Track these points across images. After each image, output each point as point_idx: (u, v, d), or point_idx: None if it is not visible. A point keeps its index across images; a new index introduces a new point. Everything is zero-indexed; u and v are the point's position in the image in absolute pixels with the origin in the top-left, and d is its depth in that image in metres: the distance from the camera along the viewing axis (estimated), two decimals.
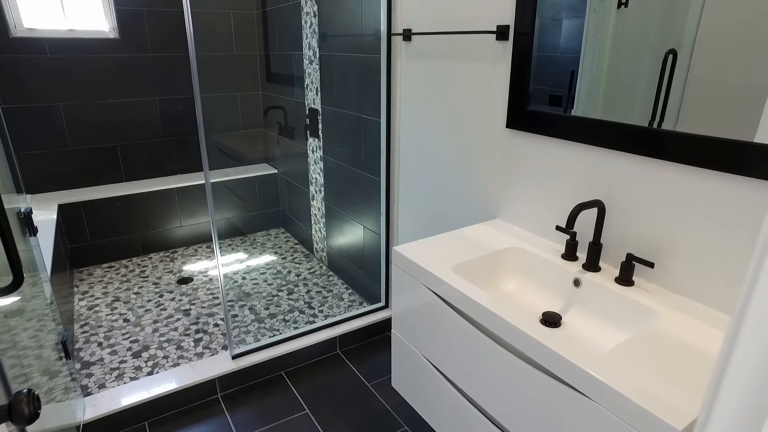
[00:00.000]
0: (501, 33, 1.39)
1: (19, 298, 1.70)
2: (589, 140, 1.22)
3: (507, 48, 1.41)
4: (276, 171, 3.48)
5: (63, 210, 2.86)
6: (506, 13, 1.39)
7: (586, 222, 1.30)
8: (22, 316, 1.70)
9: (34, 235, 1.58)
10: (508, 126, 1.45)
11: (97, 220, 2.97)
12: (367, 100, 2.16)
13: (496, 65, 1.46)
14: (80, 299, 2.67)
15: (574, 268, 1.23)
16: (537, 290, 1.31)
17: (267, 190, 3.50)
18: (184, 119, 3.28)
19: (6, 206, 1.25)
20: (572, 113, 1.25)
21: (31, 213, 1.60)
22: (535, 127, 1.37)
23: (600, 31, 1.13)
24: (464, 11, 1.54)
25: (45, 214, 2.67)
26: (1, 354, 1.34)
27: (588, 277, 1.19)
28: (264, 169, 3.51)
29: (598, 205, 1.17)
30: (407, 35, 1.79)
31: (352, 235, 2.59)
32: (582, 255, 1.31)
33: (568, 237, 1.34)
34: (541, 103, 1.34)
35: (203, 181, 3.23)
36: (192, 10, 2.23)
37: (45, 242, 2.35)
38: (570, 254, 1.28)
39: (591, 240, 1.26)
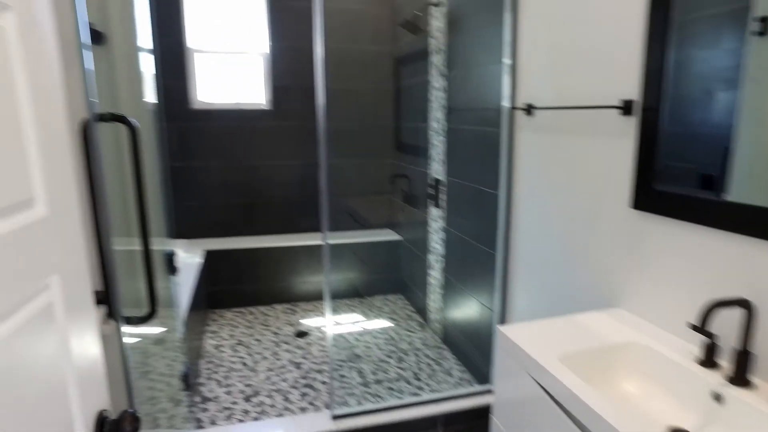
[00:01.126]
0: (625, 108, 1.30)
1: (165, 329, 1.91)
2: (740, 229, 1.04)
3: (632, 123, 1.30)
4: (399, 237, 3.56)
5: (208, 256, 3.22)
6: (631, 88, 1.30)
7: (730, 322, 1.09)
8: (163, 345, 1.91)
9: (174, 274, 1.79)
10: (633, 207, 1.31)
11: (234, 267, 3.29)
12: (488, 172, 2.14)
13: (621, 141, 1.36)
14: (210, 338, 2.92)
15: (714, 379, 1.02)
16: (662, 398, 1.11)
17: (388, 256, 3.59)
18: (318, 181, 3.56)
19: (155, 248, 1.44)
20: (722, 196, 1.08)
21: (174, 255, 1.82)
22: (667, 210, 1.22)
23: (765, 104, 0.98)
24: (587, 86, 1.48)
25: (192, 258, 3.03)
26: (141, 376, 1.51)
27: (734, 393, 0.97)
28: (387, 235, 3.62)
29: (744, 304, 0.98)
30: (529, 109, 1.77)
31: (467, 308, 2.51)
32: (724, 362, 1.09)
33: (704, 338, 1.13)
34: (677, 183, 1.19)
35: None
36: (329, 86, 2.46)
37: (188, 282, 2.65)
38: (708, 360, 1.07)
39: (737, 346, 1.05)
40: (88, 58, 1.04)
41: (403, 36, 3.21)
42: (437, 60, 2.63)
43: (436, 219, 2.83)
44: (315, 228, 3.64)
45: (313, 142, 3.50)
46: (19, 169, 0.55)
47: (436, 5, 2.55)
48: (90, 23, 1.06)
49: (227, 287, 3.32)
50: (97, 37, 1.43)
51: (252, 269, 3.32)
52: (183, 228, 3.39)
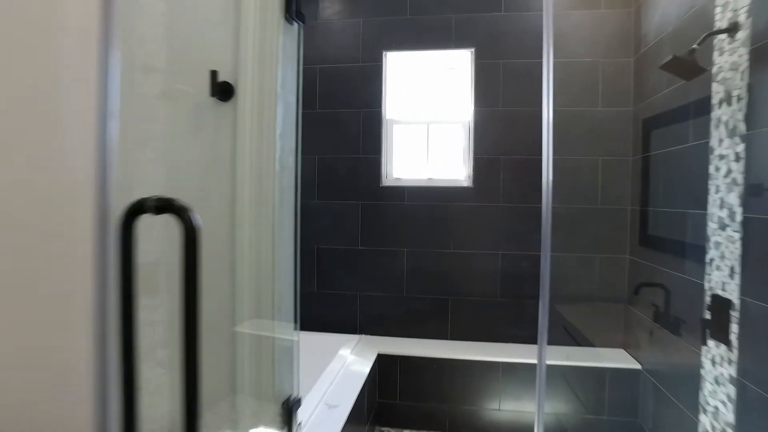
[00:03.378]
0: None
1: None
2: None
3: None
4: (638, 366, 2.47)
5: (380, 360, 2.65)
6: None
7: None
8: None
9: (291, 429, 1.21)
10: None
11: (411, 378, 2.64)
12: None
13: None
14: None
15: None
16: None
17: (621, 390, 2.51)
18: (527, 279, 2.76)
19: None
20: None
21: (298, 404, 1.26)
22: None
23: None
24: None
25: (362, 363, 2.49)
26: None
27: None
28: (620, 359, 2.56)
29: None
30: None
31: None
32: None
33: None
34: None
35: (535, 360, 2.54)
36: (553, 157, 1.74)
37: (353, 390, 2.10)
38: None
39: None
40: None
41: (657, 87, 2.32)
42: (727, 114, 1.69)
43: (718, 361, 1.74)
44: (517, 338, 2.79)
45: (523, 228, 2.75)
46: None
47: (729, 32, 1.65)
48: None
49: (401, 402, 2.67)
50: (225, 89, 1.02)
51: (433, 384, 2.62)
52: (359, 320, 2.92)
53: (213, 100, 1.04)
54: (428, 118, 2.88)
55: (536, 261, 2.75)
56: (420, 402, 2.65)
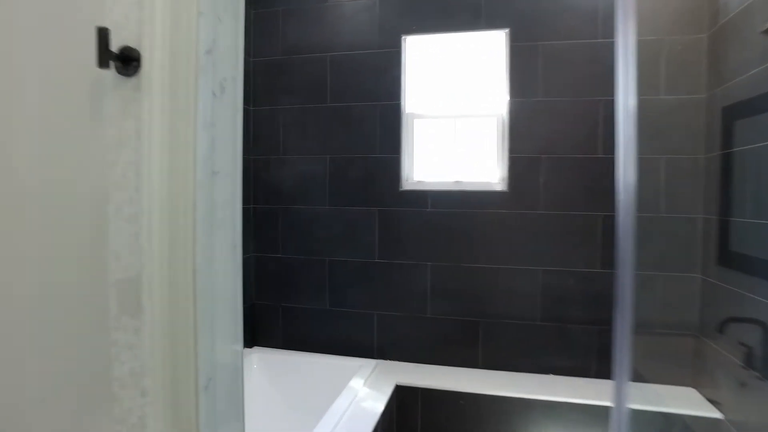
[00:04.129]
0: None
1: None
2: None
3: None
4: (719, 416, 2.00)
5: (399, 393, 2.28)
6: None
7: None
8: None
9: None
10: None
11: (434, 415, 2.26)
12: None
13: None
14: None
15: None
16: None
17: None
18: (572, 300, 2.33)
19: None
20: None
21: None
22: None
23: None
24: None
25: (376, 397, 2.13)
26: None
27: None
28: (691, 404, 2.09)
29: None
30: None
31: None
32: None
33: None
34: None
35: (587, 401, 2.11)
36: (625, 156, 1.35)
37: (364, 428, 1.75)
38: None
39: None
40: None
41: (742, 67, 1.86)
42: None
43: None
44: (561, 369, 2.36)
45: (570, 240, 2.32)
46: None
47: None
48: None
49: None
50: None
51: (461, 422, 2.23)
52: (375, 343, 2.56)
53: (112, 76, 0.71)
54: (455, 112, 2.49)
55: (584, 278, 2.32)
56: None
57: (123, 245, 0.73)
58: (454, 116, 2.49)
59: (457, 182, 2.47)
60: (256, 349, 2.65)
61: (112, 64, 0.69)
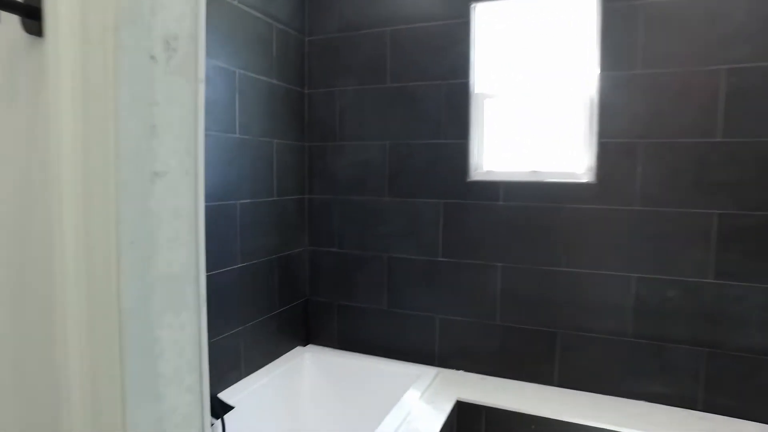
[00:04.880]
0: None
1: None
2: None
3: None
4: None
5: (460, 410, 2.03)
6: None
7: None
8: None
9: None
10: None
11: None
12: None
13: None
14: None
15: None
16: None
17: None
18: (674, 315, 1.93)
19: None
20: None
21: None
22: None
23: None
24: None
25: (433, 415, 1.89)
26: None
27: None
28: None
29: None
30: None
31: None
32: None
33: None
34: None
35: None
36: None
37: None
38: None
39: None
40: None
41: None
42: None
43: None
44: (657, 396, 1.98)
45: (671, 241, 1.92)
46: None
47: None
48: None
49: None
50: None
51: None
52: (437, 350, 2.32)
53: (23, 38, 0.52)
54: (533, 90, 2.14)
55: (691, 290, 1.91)
56: None
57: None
58: (532, 95, 2.14)
59: (534, 172, 2.13)
60: (310, 347, 2.50)
61: (15, 18, 0.50)
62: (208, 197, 1.84)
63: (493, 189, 2.17)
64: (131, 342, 0.53)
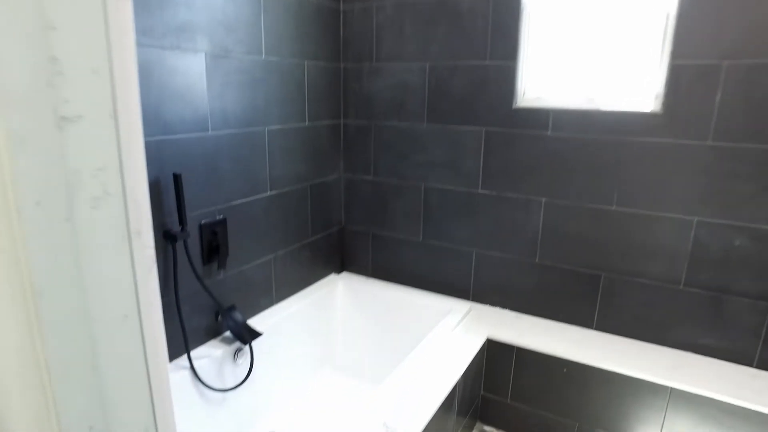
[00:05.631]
0: None
1: None
2: None
3: None
4: None
5: (490, 347, 1.99)
6: None
7: None
8: None
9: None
10: None
11: (529, 377, 1.94)
12: None
13: None
14: None
15: None
16: None
17: None
18: (738, 265, 1.73)
19: None
20: None
21: None
22: None
23: None
24: None
25: (466, 345, 1.86)
26: None
27: None
28: None
29: None
30: None
31: None
32: None
33: None
34: None
35: (747, 403, 1.61)
36: None
37: (448, 376, 1.53)
38: None
39: None
40: None
41: None
42: None
43: None
44: (707, 349, 1.84)
45: (745, 183, 1.67)
46: None
47: None
48: None
49: (512, 403, 2.02)
50: None
51: (562, 391, 1.89)
52: (472, 284, 2.25)
53: None
54: (594, 3, 1.83)
55: (761, 238, 1.69)
56: (537, 409, 1.96)
57: None
58: (592, 9, 1.84)
59: (590, 99, 1.88)
60: (344, 275, 2.51)
61: None
62: (233, 124, 1.77)
63: (541, 117, 1.95)
64: (54, 336, 0.48)
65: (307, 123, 2.15)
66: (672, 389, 1.68)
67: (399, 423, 1.45)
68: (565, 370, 1.86)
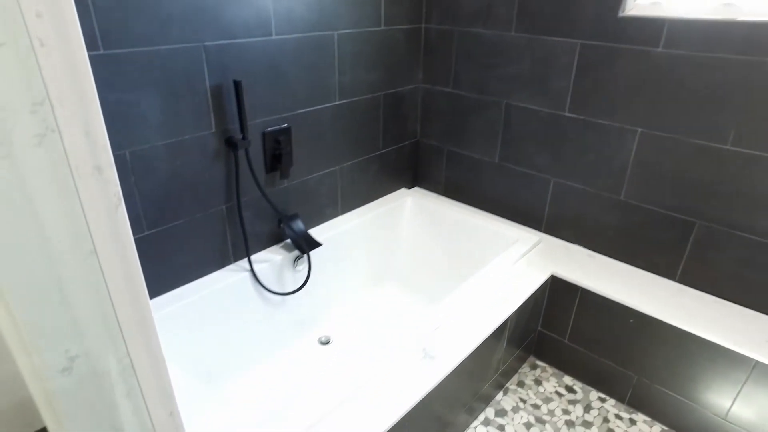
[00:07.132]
0: None
1: None
2: None
3: None
4: None
5: (554, 283, 1.88)
6: None
7: None
8: None
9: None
10: None
11: (591, 322, 1.83)
12: None
13: None
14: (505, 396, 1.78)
15: None
16: None
17: None
18: None
19: None
20: None
21: None
22: None
23: None
24: None
25: (527, 281, 1.79)
26: None
27: None
28: None
29: None
30: None
31: None
32: None
33: None
34: None
35: None
36: None
37: (505, 306, 1.53)
38: None
39: None
40: None
41: None
42: None
43: None
44: None
45: None
46: None
47: None
48: None
49: (569, 344, 1.94)
50: None
51: (626, 340, 1.76)
52: (546, 214, 2.09)
53: None
54: None
55: None
56: (595, 354, 1.87)
57: None
58: None
59: (726, 5, 1.50)
60: (415, 190, 2.46)
61: None
62: (299, 27, 1.69)
63: (653, 29, 1.61)
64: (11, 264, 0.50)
65: (382, 27, 1.99)
66: (757, 362, 1.48)
67: (439, 350, 1.46)
68: (631, 321, 1.71)
